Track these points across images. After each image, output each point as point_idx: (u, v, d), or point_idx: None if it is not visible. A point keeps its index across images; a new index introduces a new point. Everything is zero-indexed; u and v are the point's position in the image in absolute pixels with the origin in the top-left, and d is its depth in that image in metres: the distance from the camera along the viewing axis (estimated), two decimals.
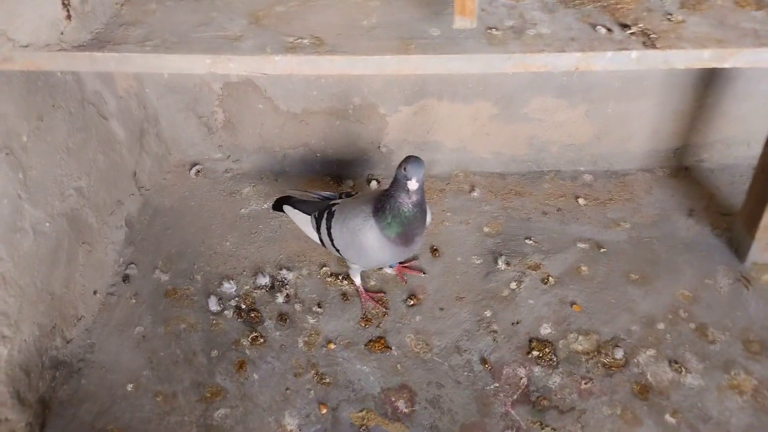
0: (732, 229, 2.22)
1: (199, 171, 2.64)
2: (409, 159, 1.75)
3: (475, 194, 2.49)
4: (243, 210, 2.49)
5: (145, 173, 2.47)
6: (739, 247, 2.15)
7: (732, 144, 2.45)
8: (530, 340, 1.98)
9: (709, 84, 2.30)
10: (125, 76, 2.29)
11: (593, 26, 1.52)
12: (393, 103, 2.42)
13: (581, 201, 2.42)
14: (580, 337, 1.98)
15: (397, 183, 1.78)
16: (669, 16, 1.54)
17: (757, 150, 2.05)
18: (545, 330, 2.00)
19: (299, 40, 1.54)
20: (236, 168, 2.66)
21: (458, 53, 1.46)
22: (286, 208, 2.17)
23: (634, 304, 2.06)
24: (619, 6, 1.59)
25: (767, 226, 2.02)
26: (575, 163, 2.55)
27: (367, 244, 1.89)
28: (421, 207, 1.83)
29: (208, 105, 2.51)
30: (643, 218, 2.35)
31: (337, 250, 2.01)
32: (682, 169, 2.52)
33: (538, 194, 2.48)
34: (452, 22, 1.54)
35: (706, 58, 1.41)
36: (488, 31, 1.53)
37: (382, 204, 1.85)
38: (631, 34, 1.48)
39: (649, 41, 1.45)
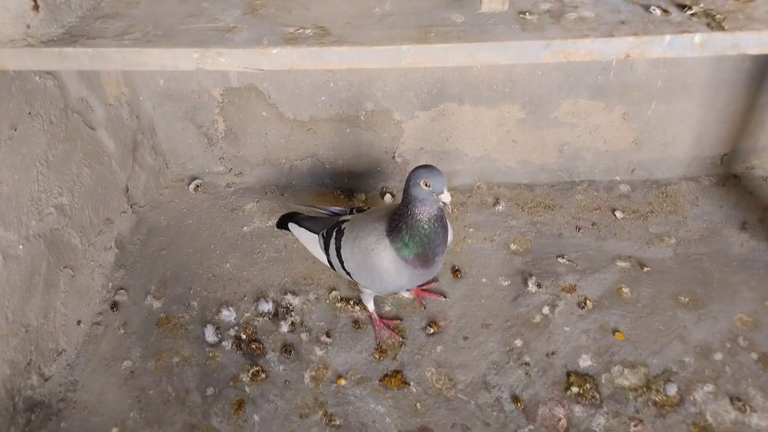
0: None
1: (198, 186, 2.43)
2: (422, 171, 1.53)
3: (500, 207, 2.25)
4: (245, 228, 2.27)
5: (139, 189, 2.26)
6: None
7: None
8: (568, 374, 1.74)
9: (761, 82, 2.06)
10: (115, 82, 2.09)
11: (645, 7, 1.30)
12: (409, 108, 2.20)
13: (618, 214, 2.18)
14: (626, 371, 1.72)
15: (413, 197, 1.56)
16: None
17: None
18: (585, 362, 1.76)
19: (301, 31, 1.32)
20: (239, 182, 2.45)
21: (487, 41, 1.23)
22: (292, 226, 1.95)
23: (686, 332, 1.80)
24: None
25: None
26: (611, 172, 2.31)
27: (381, 266, 1.66)
28: (441, 222, 1.60)
29: (208, 113, 2.30)
30: (690, 233, 2.10)
31: (348, 273, 1.78)
32: (731, 177, 2.27)
33: (570, 207, 2.24)
34: (478, 7, 1.32)
35: None
36: (521, 15, 1.31)
37: (396, 222, 1.62)
38: (692, 15, 1.26)
39: (714, 23, 1.22)
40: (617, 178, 2.31)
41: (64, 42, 1.33)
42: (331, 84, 2.17)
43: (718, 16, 1.24)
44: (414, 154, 2.31)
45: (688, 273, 1.97)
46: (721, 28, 1.20)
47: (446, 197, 1.51)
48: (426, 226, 1.57)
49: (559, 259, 2.05)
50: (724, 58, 2.00)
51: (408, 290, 1.99)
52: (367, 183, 2.38)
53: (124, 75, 2.13)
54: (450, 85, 2.13)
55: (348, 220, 1.82)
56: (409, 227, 1.58)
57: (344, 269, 1.78)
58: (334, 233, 1.80)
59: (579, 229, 2.15)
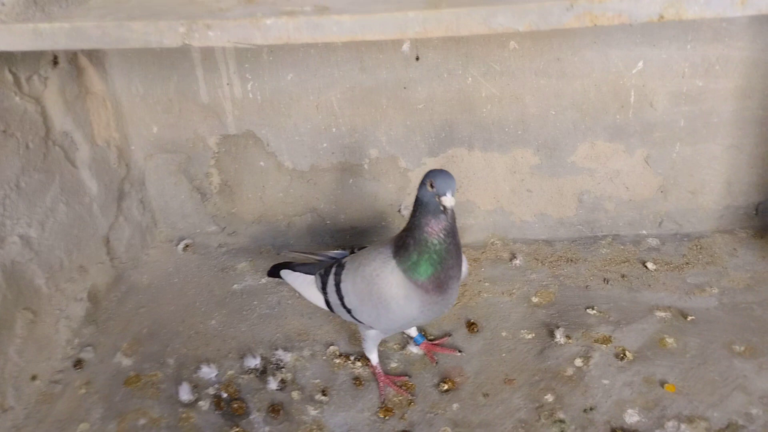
0: None
1: (188, 245, 2.24)
2: (432, 172, 1.36)
3: (517, 262, 2.04)
4: (236, 286, 2.05)
5: (122, 243, 2.07)
6: None
7: None
8: (613, 431, 1.44)
9: None
10: (105, 123, 1.98)
11: None
12: (416, 155, 2.07)
13: (650, 265, 1.96)
14: (683, 426, 1.43)
15: (422, 208, 1.37)
16: None
17: None
18: (632, 417, 1.47)
19: (299, 8, 1.21)
20: (232, 242, 2.26)
21: (504, 4, 1.11)
22: (285, 272, 1.73)
23: (747, 381, 1.52)
24: None
25: None
26: (636, 225, 2.12)
27: (387, 293, 1.43)
28: (454, 239, 1.39)
29: (203, 165, 2.17)
30: (734, 282, 1.87)
31: (349, 311, 1.54)
32: None
33: (594, 260, 2.03)
34: None
35: None
36: None
37: (403, 240, 1.42)
38: None
39: None
40: (644, 232, 2.12)
41: (39, 19, 1.22)
42: (333, 129, 2.05)
43: None
44: None
45: (739, 321, 1.71)
46: None
47: (448, 200, 1.31)
48: (435, 241, 1.36)
49: (588, 311, 1.81)
50: (748, 93, 1.89)
51: (417, 343, 1.73)
52: (371, 240, 2.19)
53: (115, 118, 2.03)
54: (459, 128, 2.01)
55: (351, 255, 1.62)
56: (417, 242, 1.38)
57: (344, 307, 1.55)
58: (334, 269, 1.59)
59: (607, 282, 1.93)
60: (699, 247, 2.03)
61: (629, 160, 2.02)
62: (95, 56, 1.92)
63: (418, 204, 1.38)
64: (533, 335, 1.75)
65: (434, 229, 1.36)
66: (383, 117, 2.02)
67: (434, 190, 1.33)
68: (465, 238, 2.15)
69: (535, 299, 1.88)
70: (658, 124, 1.96)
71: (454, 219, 1.38)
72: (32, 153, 1.65)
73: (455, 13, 1.12)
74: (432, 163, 2.07)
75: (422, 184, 1.36)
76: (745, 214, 2.08)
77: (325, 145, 2.08)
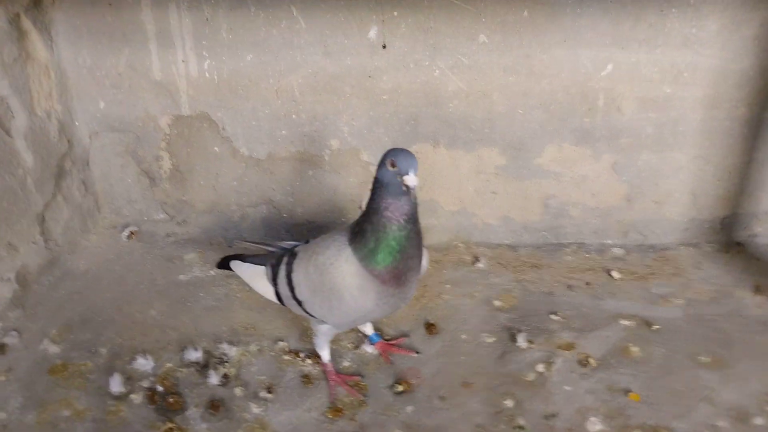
0: None
1: (133, 232, 2.09)
2: (393, 151, 1.27)
3: (480, 265, 1.96)
4: (182, 276, 1.92)
5: (59, 224, 1.92)
6: None
7: None
8: None
9: (758, 132, 1.91)
10: (47, 92, 1.84)
11: None
12: (379, 148, 1.96)
13: (615, 274, 1.91)
14: None
15: (381, 190, 1.28)
16: None
17: None
18: (595, 426, 1.39)
19: None
20: (180, 232, 2.13)
21: None
22: (235, 264, 1.62)
23: (713, 393, 1.47)
24: None
25: None
26: (601, 234, 2.07)
27: (341, 283, 1.33)
28: (416, 225, 1.31)
29: (153, 147, 2.04)
30: (699, 294, 1.83)
31: (299, 303, 1.43)
32: (734, 244, 2.04)
33: (558, 267, 1.96)
34: None
35: None
36: None
37: (361, 226, 1.32)
38: None
39: None
40: (609, 241, 2.07)
41: None
42: (293, 116, 1.95)
43: None
44: None
45: (704, 333, 1.66)
46: None
47: (411, 179, 1.23)
48: (395, 226, 1.27)
49: (552, 316, 1.74)
50: (716, 103, 1.87)
51: (372, 342, 1.63)
52: None
53: (59, 89, 1.89)
54: (424, 122, 1.94)
55: (303, 245, 1.51)
56: (376, 227, 1.28)
57: (295, 299, 1.44)
58: (285, 258, 1.48)
59: (571, 288, 1.86)
60: (664, 258, 1.99)
61: (596, 165, 1.97)
62: (40, 20, 1.79)
63: (377, 186, 1.29)
64: (494, 339, 1.66)
65: (394, 214, 1.27)
66: (346, 106, 1.93)
67: (396, 169, 1.24)
68: (427, 239, 2.03)
69: (497, 303, 1.80)
70: (625, 129, 1.92)
71: (416, 202, 1.30)
72: None
73: None
74: None
75: (382, 164, 1.28)
76: (710, 228, 2.05)
77: (283, 132, 1.98)
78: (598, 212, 2.05)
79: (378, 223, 1.28)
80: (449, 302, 1.81)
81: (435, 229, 2.08)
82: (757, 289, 1.82)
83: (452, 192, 2.04)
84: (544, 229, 2.08)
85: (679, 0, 1.76)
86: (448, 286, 1.87)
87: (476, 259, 1.99)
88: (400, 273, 1.30)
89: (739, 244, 2.04)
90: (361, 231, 1.31)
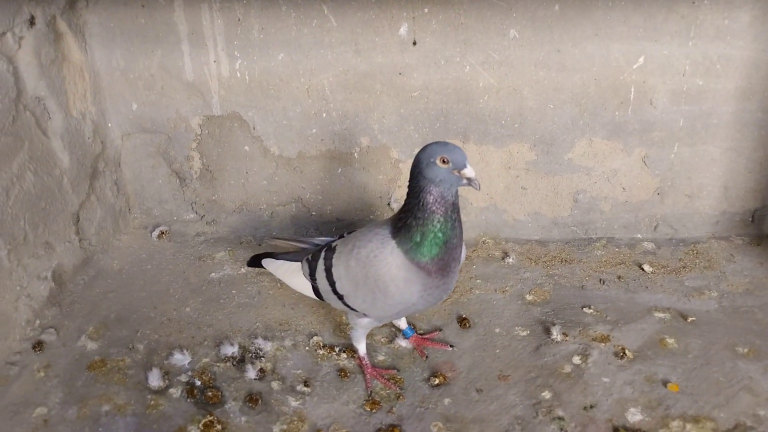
0: None
1: (163, 232, 2.11)
2: (436, 146, 1.28)
3: (510, 260, 1.96)
4: (213, 275, 1.93)
5: (93, 224, 1.94)
6: None
7: None
8: (615, 430, 1.35)
9: None
10: (82, 94, 1.87)
11: None
12: (408, 145, 1.99)
13: (647, 268, 1.90)
14: (689, 426, 1.35)
15: (428, 181, 1.28)
16: None
17: None
18: (635, 416, 1.38)
19: None
20: (210, 231, 2.14)
21: None
22: (267, 261, 1.63)
23: (753, 383, 1.45)
24: None
25: None
26: (631, 229, 2.06)
27: (386, 275, 1.33)
28: (458, 216, 1.31)
29: (183, 147, 2.06)
30: (733, 287, 1.81)
31: (340, 298, 1.44)
32: (766, 237, 2.02)
33: (589, 261, 1.95)
34: None
35: None
36: None
37: (404, 219, 1.33)
38: None
39: None
40: (638, 236, 2.06)
41: None
42: (324, 114, 1.97)
43: None
44: None
45: (741, 324, 1.65)
46: None
47: (471, 171, 1.24)
48: (442, 218, 1.28)
49: (585, 310, 1.73)
50: (748, 94, 1.86)
51: (406, 336, 1.63)
52: None
53: (93, 90, 1.92)
54: (454, 118, 1.94)
55: (341, 239, 1.52)
56: (421, 222, 1.28)
57: (336, 294, 1.44)
58: (323, 254, 1.49)
59: (603, 282, 1.85)
60: (695, 251, 1.98)
61: (627, 159, 1.97)
62: (75, 23, 1.82)
63: (424, 183, 1.28)
64: (528, 332, 1.66)
65: (441, 207, 1.27)
66: (377, 104, 1.94)
67: (449, 165, 1.25)
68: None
69: (529, 297, 1.80)
70: (657, 122, 1.91)
71: (458, 194, 1.30)
72: (0, 114, 1.53)
73: None
74: None
75: (429, 163, 1.27)
76: (741, 221, 2.04)
77: (314, 131, 1.99)
78: (628, 206, 2.04)
79: (424, 217, 1.28)
80: (481, 297, 1.81)
81: (464, 225, 2.06)
82: None
83: (482, 188, 2.03)
84: (574, 224, 2.07)
85: None
86: (479, 281, 1.87)
87: (506, 255, 1.98)
88: (445, 264, 1.31)
89: None
90: (406, 226, 1.31)
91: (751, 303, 1.73)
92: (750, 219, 2.03)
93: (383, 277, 1.33)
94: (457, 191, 1.29)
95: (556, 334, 1.62)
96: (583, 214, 2.05)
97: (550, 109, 1.92)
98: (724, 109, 1.89)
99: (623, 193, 2.02)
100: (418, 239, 1.29)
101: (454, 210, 1.29)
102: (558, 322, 1.67)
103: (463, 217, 2.02)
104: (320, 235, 2.11)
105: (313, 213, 2.10)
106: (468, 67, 1.88)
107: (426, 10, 1.82)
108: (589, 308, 1.73)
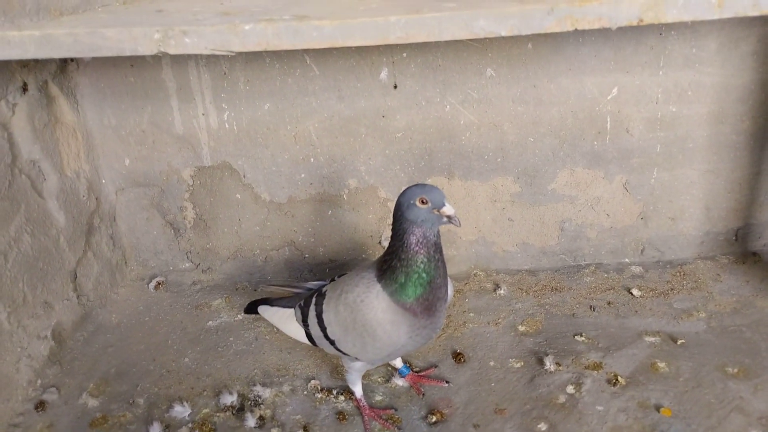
0: None
1: (160, 283, 2.15)
2: (414, 189, 1.33)
3: (501, 292, 1.99)
4: (210, 323, 1.96)
5: (90, 279, 1.98)
6: None
7: None
8: None
9: (764, 144, 1.96)
10: (75, 154, 1.92)
11: None
12: (395, 184, 2.04)
13: (636, 292, 1.93)
14: None
15: (409, 223, 1.32)
16: None
17: None
18: None
19: (278, 17, 1.19)
20: (206, 279, 2.18)
21: (485, 8, 1.11)
22: (262, 308, 1.67)
23: (744, 403, 1.48)
24: None
25: None
26: (618, 254, 2.10)
27: (373, 319, 1.36)
28: (442, 255, 1.35)
29: (177, 199, 2.11)
30: (720, 306, 1.84)
31: (332, 343, 1.47)
32: (750, 255, 2.06)
33: (579, 288, 1.99)
34: None
35: None
36: None
37: (389, 261, 1.37)
38: None
39: None
40: (626, 260, 2.10)
41: (8, 29, 1.18)
42: (312, 159, 2.02)
43: None
44: None
45: (730, 344, 1.68)
46: None
47: (450, 209, 1.28)
48: (425, 258, 1.32)
49: (577, 338, 1.76)
50: (721, 118, 1.92)
51: (402, 375, 1.65)
52: None
53: (86, 149, 1.97)
54: (438, 156, 2.00)
55: (331, 283, 1.55)
56: (405, 263, 1.32)
57: (327, 339, 1.47)
58: (314, 299, 1.52)
59: (594, 309, 1.89)
60: (682, 273, 2.01)
61: (609, 186, 2.02)
62: (66, 85, 1.88)
63: (406, 224, 1.32)
64: (522, 364, 1.68)
65: (423, 247, 1.31)
66: (362, 146, 2.00)
67: (428, 205, 1.29)
68: (448, 270, 2.09)
69: (521, 328, 1.83)
70: (635, 150, 1.97)
71: (439, 234, 1.35)
72: None
73: (437, 18, 1.11)
74: None
75: (410, 205, 1.32)
76: (725, 240, 2.08)
77: (303, 175, 2.04)
78: (614, 232, 2.08)
79: (407, 258, 1.32)
80: (474, 330, 1.84)
81: (454, 259, 2.12)
82: None
83: (470, 222, 2.08)
84: (562, 252, 2.11)
85: (678, 22, 1.82)
86: (471, 314, 1.90)
87: (497, 286, 2.02)
88: (430, 303, 1.34)
89: (755, 254, 2.06)
90: (390, 267, 1.35)
91: (739, 322, 1.76)
92: (734, 238, 2.08)
93: (370, 321, 1.36)
94: (438, 231, 1.33)
95: (549, 364, 1.65)
96: (571, 242, 2.10)
97: (531, 142, 1.97)
98: (699, 133, 1.95)
99: (608, 220, 2.06)
100: (403, 280, 1.33)
101: (436, 250, 1.33)
102: (551, 351, 1.70)
103: (453, 251, 2.11)
104: (314, 277, 2.15)
105: (306, 255, 2.14)
106: (448, 106, 1.94)
107: (404, 54, 1.88)
108: (581, 336, 1.76)
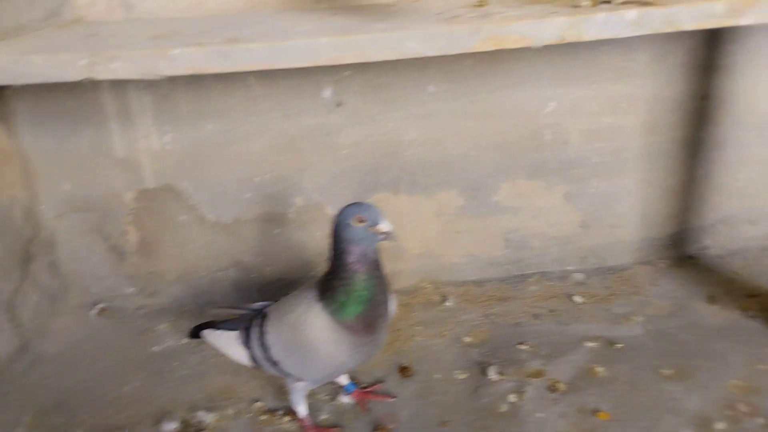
0: None
1: (103, 309, 2.10)
2: (349, 208, 1.35)
3: (448, 304, 2.02)
4: (155, 348, 1.93)
5: (28, 309, 1.92)
6: None
7: (735, 224, 2.13)
8: None
9: (694, 152, 2.04)
10: (9, 181, 1.87)
11: (575, 6, 1.25)
12: (342, 201, 1.97)
13: (578, 299, 1.98)
14: None
15: (350, 246, 1.33)
16: None
17: (766, 228, 1.73)
18: None
19: (210, 41, 1.20)
20: (151, 303, 2.14)
21: (413, 29, 1.14)
22: (206, 332, 1.64)
23: (678, 403, 1.53)
24: None
25: None
26: (562, 262, 2.15)
27: (314, 339, 1.37)
28: (380, 272, 1.36)
29: (119, 223, 2.07)
30: (657, 310, 1.90)
31: (275, 364, 1.46)
32: (686, 258, 2.14)
33: (524, 297, 2.03)
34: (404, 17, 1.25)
35: (718, 12, 1.13)
36: (445, 19, 1.24)
37: (329, 280, 1.38)
38: (624, 3, 1.21)
39: (643, 2, 1.18)
40: (570, 267, 2.15)
41: None
42: (257, 179, 2.02)
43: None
44: None
45: (665, 347, 1.73)
46: (654, 4, 1.15)
47: (387, 226, 1.30)
48: (365, 276, 1.33)
49: (520, 347, 1.79)
50: (654, 128, 1.99)
51: (347, 392, 1.65)
52: None
53: (22, 175, 1.93)
54: (384, 172, 2.02)
55: (274, 304, 1.55)
56: (344, 281, 1.33)
57: (270, 360, 1.46)
58: (256, 321, 1.51)
59: (537, 317, 1.93)
60: (622, 278, 2.08)
61: (550, 197, 2.07)
62: (2, 110, 1.84)
63: (344, 243, 1.34)
64: (467, 375, 1.70)
65: (362, 265, 1.33)
66: (308, 164, 2.01)
67: (366, 223, 1.31)
68: (396, 284, 2.11)
69: (467, 339, 1.85)
70: (574, 161, 2.03)
71: (379, 251, 1.36)
72: None
73: (367, 39, 1.14)
74: None
75: (346, 225, 1.33)
76: (662, 245, 2.15)
77: (248, 195, 2.04)
78: (557, 241, 2.13)
79: (347, 277, 1.33)
80: (421, 343, 1.85)
81: (403, 273, 2.14)
82: (711, 299, 1.91)
83: (416, 235, 2.11)
84: (508, 263, 2.15)
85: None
86: (419, 327, 1.92)
87: (444, 299, 2.04)
88: (371, 321, 1.35)
89: (691, 257, 2.14)
90: (330, 287, 1.36)
91: (674, 324, 1.82)
92: (670, 243, 2.15)
93: (312, 340, 1.36)
94: (376, 248, 1.35)
95: (492, 374, 1.67)
96: (516, 252, 2.14)
97: (474, 156, 2.01)
98: (633, 143, 2.02)
99: (551, 229, 2.11)
100: (343, 299, 1.34)
101: (376, 267, 1.34)
102: (495, 361, 1.73)
103: (401, 265, 2.12)
104: (262, 297, 2.12)
105: (254, 275, 2.13)
106: (392, 123, 1.97)
107: (347, 73, 1.90)
108: (525, 344, 1.79)
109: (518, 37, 1.15)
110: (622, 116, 1.99)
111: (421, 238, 2.11)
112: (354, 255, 1.32)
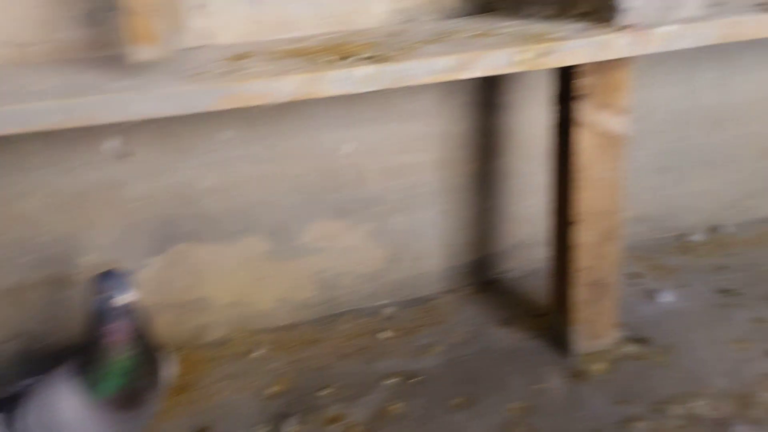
0: (550, 328, 1.95)
1: None
2: (98, 277, 1.32)
3: (257, 353, 1.98)
4: None
5: None
6: (560, 343, 1.88)
7: (528, 247, 2.28)
8: None
9: (481, 185, 2.17)
10: None
11: (313, 61, 1.29)
12: (137, 256, 1.95)
13: (386, 334, 2.03)
14: None
15: (98, 319, 1.27)
16: (402, 45, 1.36)
17: None
18: None
19: None
20: None
21: (143, 92, 1.10)
22: None
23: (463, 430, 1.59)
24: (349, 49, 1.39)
25: (582, 316, 1.81)
26: (374, 298, 2.19)
27: (69, 418, 1.28)
28: (145, 341, 1.30)
29: None
30: (456, 338, 1.99)
31: None
32: (487, 283, 2.27)
33: (334, 338, 2.04)
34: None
35: (449, 66, 1.21)
36: (189, 76, 1.22)
37: (85, 356, 1.30)
38: (361, 59, 1.26)
39: (381, 59, 1.23)
40: (383, 302, 2.20)
41: None
42: (37, 240, 1.87)
43: (385, 56, 1.25)
44: (152, 312, 2.00)
45: (459, 375, 1.81)
46: (388, 61, 1.21)
47: (126, 298, 1.25)
48: (121, 351, 1.26)
49: (321, 392, 1.79)
50: (447, 164, 2.10)
51: None
52: None
53: None
54: (182, 222, 1.95)
55: (34, 382, 1.43)
56: (96, 356, 1.27)
57: None
58: (18, 401, 1.39)
59: (345, 357, 1.94)
60: (430, 309, 2.15)
61: (355, 235, 2.10)
62: None
63: (91, 316, 1.27)
64: (268, 429, 1.67)
65: (117, 338, 1.26)
66: (96, 220, 1.89)
67: (101, 294, 1.25)
68: (204, 337, 2.05)
69: (272, 389, 1.82)
70: (374, 199, 2.08)
71: (141, 319, 1.30)
72: None
73: (95, 101, 1.09)
74: (158, 263, 1.97)
75: (95, 299, 1.27)
76: (466, 273, 2.26)
77: (29, 258, 1.88)
78: (366, 278, 2.17)
79: (98, 351, 1.26)
80: (225, 400, 1.79)
81: (210, 325, 2.07)
82: (505, 322, 2.03)
83: (223, 285, 2.05)
84: (319, 303, 2.15)
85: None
86: (224, 382, 1.86)
87: (254, 348, 2.00)
88: (133, 395, 1.29)
89: (492, 282, 2.27)
90: (84, 362, 1.28)
91: (467, 351, 1.91)
92: (472, 270, 2.27)
93: (67, 420, 1.28)
94: (134, 318, 1.28)
95: (292, 425, 1.66)
96: (327, 292, 2.15)
97: (274, 200, 2.00)
98: (429, 178, 2.12)
99: (359, 266, 2.15)
100: (96, 375, 1.27)
101: (137, 338, 1.28)
102: (296, 411, 1.71)
103: (207, 318, 2.06)
104: (53, 364, 1.96)
105: (42, 344, 1.96)
106: (187, 171, 1.91)
107: (136, 122, 1.82)
108: (328, 388, 1.80)
109: (256, 94, 1.15)
110: (416, 154, 2.08)
111: (227, 287, 2.05)
112: (104, 328, 1.25)
